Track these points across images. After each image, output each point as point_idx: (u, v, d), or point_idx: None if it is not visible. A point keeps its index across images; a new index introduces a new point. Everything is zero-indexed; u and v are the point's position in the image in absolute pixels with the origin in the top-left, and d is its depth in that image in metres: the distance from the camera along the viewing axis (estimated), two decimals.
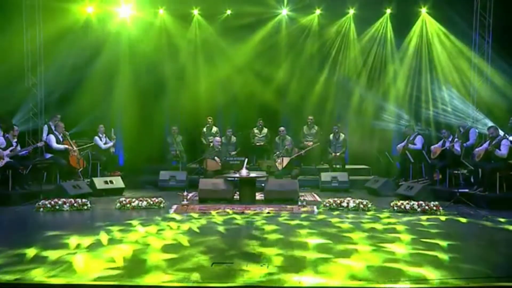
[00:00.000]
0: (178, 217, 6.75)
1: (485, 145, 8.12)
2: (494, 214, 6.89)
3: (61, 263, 4.26)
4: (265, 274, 3.99)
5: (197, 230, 5.81)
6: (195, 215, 6.86)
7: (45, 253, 4.59)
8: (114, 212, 7.29)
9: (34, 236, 5.45)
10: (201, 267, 4.18)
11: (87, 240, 5.15)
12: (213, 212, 7.11)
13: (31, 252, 4.63)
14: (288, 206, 7.59)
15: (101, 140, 10.22)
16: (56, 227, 6.01)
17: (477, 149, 8.33)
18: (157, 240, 5.24)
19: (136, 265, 4.27)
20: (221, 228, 5.93)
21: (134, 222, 6.28)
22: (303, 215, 6.92)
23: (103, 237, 5.37)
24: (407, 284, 3.81)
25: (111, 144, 10.28)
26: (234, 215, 6.88)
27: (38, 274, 3.95)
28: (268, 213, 7.08)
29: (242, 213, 7.06)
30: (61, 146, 9.15)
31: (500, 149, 7.72)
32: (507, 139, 7.92)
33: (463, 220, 6.65)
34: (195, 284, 3.77)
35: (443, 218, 6.75)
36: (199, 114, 11.66)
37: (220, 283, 3.79)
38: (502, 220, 6.54)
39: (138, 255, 4.59)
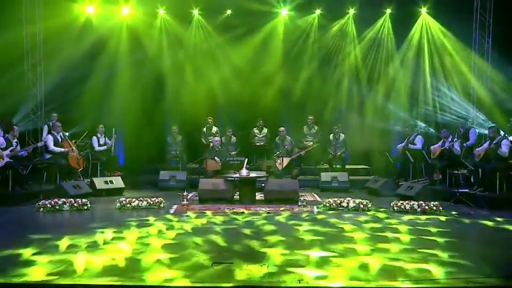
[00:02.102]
0: (178, 217, 6.75)
1: (485, 145, 8.13)
2: (494, 214, 6.89)
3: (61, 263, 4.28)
4: (265, 274, 3.99)
5: (197, 230, 5.81)
6: (195, 215, 6.86)
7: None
8: (114, 212, 7.29)
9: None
10: (201, 267, 4.18)
11: (87, 240, 5.17)
12: (213, 212, 7.11)
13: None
14: (288, 206, 7.60)
15: (99, 140, 10.15)
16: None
17: (477, 149, 8.34)
18: (156, 240, 5.24)
19: (135, 265, 4.27)
20: (221, 228, 5.93)
21: (132, 223, 6.29)
22: (303, 215, 6.92)
23: (101, 237, 5.38)
24: (407, 284, 3.81)
25: (106, 147, 10.12)
26: (234, 215, 6.88)
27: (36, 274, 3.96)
28: (268, 213, 7.07)
29: (242, 213, 7.06)
30: (58, 149, 9.09)
31: (501, 148, 7.72)
32: (507, 139, 7.92)
33: (463, 220, 6.65)
34: (195, 284, 3.77)
35: (443, 218, 6.75)
36: (199, 114, 11.65)
37: (220, 283, 3.79)
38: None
39: (137, 256, 4.58)
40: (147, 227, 5.99)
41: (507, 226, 6.18)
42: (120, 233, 5.57)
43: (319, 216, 6.87)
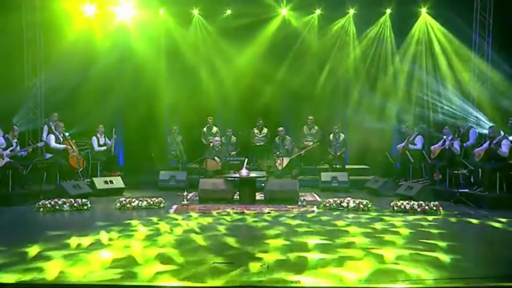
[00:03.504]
0: (178, 217, 6.75)
1: (485, 145, 8.13)
2: (494, 214, 6.89)
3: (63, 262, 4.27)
4: (265, 274, 3.99)
5: (197, 230, 5.80)
6: (195, 215, 6.86)
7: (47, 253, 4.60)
8: (114, 212, 7.28)
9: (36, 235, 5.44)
10: (201, 267, 4.18)
11: (87, 240, 5.16)
12: (213, 212, 7.11)
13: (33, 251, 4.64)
14: (288, 206, 7.60)
15: (99, 140, 10.15)
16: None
17: (477, 149, 8.34)
18: (156, 240, 5.24)
19: (135, 265, 4.27)
20: (221, 228, 5.93)
21: (134, 222, 6.29)
22: (303, 215, 6.92)
23: (102, 236, 5.38)
24: (407, 284, 3.81)
25: (106, 147, 10.10)
26: (234, 215, 6.88)
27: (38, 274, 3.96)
28: (268, 213, 7.07)
29: (242, 213, 7.06)
30: (60, 146, 9.15)
31: (501, 148, 7.71)
32: (507, 139, 7.92)
33: (463, 220, 6.65)
34: (195, 284, 3.77)
35: (442, 218, 6.75)
36: (199, 114, 11.66)
37: (220, 283, 3.79)
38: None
39: (137, 255, 4.58)
40: (146, 227, 6.00)
41: (506, 226, 6.18)
42: (118, 234, 5.58)
43: (319, 216, 6.87)
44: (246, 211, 7.16)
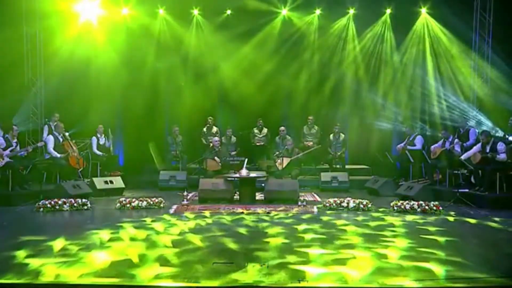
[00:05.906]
0: (178, 217, 6.75)
1: (475, 148, 8.13)
2: (494, 214, 6.89)
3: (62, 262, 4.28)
4: (265, 274, 3.99)
5: (197, 230, 5.80)
6: (195, 215, 6.86)
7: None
8: (114, 212, 7.28)
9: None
10: (201, 267, 4.18)
11: (87, 240, 5.17)
12: (213, 212, 7.11)
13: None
14: (288, 206, 7.60)
15: (99, 140, 10.15)
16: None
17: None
18: (156, 240, 5.25)
19: (135, 264, 4.27)
20: (221, 228, 5.93)
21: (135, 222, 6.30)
22: (303, 215, 6.92)
23: (103, 236, 5.38)
24: (407, 284, 3.81)
25: (104, 153, 10.10)
26: (234, 215, 6.87)
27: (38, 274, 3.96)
28: (268, 213, 7.07)
29: (242, 213, 7.06)
30: (55, 154, 9.03)
31: (499, 155, 7.70)
32: (502, 141, 7.89)
33: (463, 220, 6.65)
34: (195, 284, 3.77)
35: (442, 218, 6.75)
36: (199, 114, 11.65)
37: (220, 283, 3.79)
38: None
39: (137, 255, 4.58)
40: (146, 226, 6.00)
41: (506, 226, 6.18)
42: (118, 233, 5.58)
43: (319, 216, 6.86)
44: (245, 211, 7.15)
